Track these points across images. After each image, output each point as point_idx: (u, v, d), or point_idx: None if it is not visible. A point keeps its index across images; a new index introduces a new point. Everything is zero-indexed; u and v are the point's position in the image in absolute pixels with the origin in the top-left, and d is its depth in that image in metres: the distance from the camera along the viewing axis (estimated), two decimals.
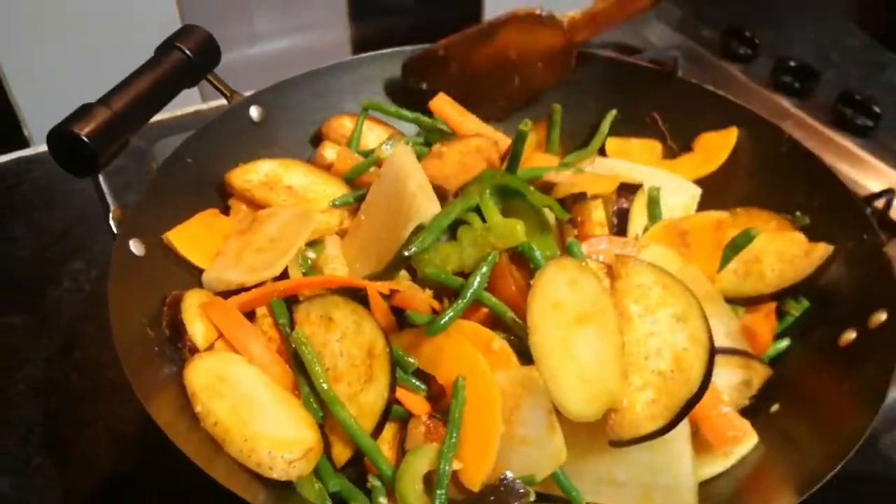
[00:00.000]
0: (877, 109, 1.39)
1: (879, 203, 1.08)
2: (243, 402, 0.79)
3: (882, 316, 0.82)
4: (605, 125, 1.17)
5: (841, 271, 0.91)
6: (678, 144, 1.14)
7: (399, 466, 0.76)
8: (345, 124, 1.15)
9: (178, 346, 0.86)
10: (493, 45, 1.18)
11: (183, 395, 0.80)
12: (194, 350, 0.86)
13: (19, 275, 1.20)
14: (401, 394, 0.81)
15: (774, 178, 1.03)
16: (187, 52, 0.95)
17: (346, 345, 0.81)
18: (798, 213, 0.99)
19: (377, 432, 0.79)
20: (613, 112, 1.17)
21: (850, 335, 0.84)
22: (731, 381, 0.85)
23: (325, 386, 0.80)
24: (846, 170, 1.35)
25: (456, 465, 0.75)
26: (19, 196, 1.32)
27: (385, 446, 0.80)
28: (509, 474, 0.76)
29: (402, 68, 1.20)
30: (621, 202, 1.02)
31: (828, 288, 0.91)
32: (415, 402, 0.81)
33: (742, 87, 1.53)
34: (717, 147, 1.11)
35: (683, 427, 0.74)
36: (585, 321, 0.77)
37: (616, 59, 1.24)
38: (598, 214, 0.97)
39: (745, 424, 0.82)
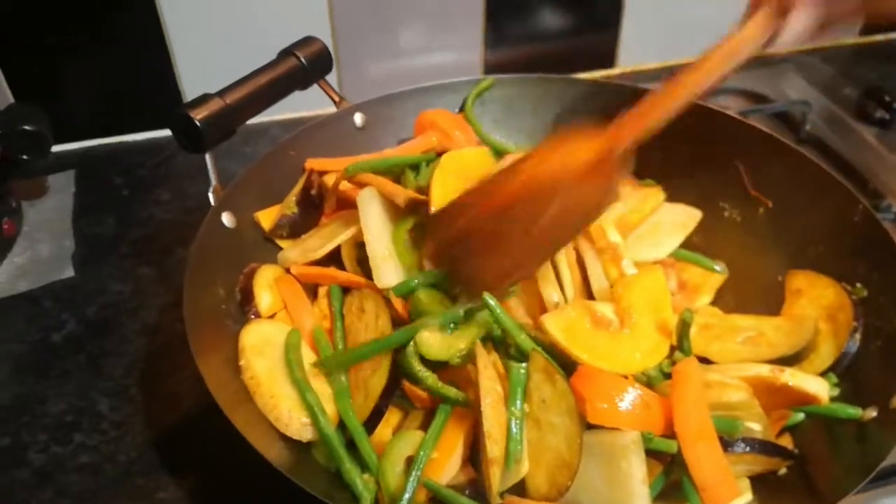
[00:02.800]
0: None
1: None
2: (280, 365, 0.89)
3: None
4: None
5: (880, 349, 0.88)
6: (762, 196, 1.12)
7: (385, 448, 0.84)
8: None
9: (244, 310, 0.98)
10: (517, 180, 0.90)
11: (235, 351, 0.91)
12: (257, 316, 0.97)
13: (158, 233, 1.35)
14: (408, 386, 0.88)
15: (843, 245, 1.00)
16: (302, 59, 1.08)
17: (368, 333, 0.90)
18: (858, 285, 0.95)
19: (377, 415, 0.87)
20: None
21: (872, 413, 0.82)
22: (753, 469, 0.84)
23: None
24: None
25: (434, 455, 0.81)
26: (172, 166, 1.49)
27: (389, 429, 0.88)
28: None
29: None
30: None
31: (864, 364, 0.89)
32: (417, 395, 0.87)
33: (871, 152, 1.45)
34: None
35: (639, 467, 0.76)
36: None
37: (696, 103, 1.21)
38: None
39: (744, 485, 0.82)
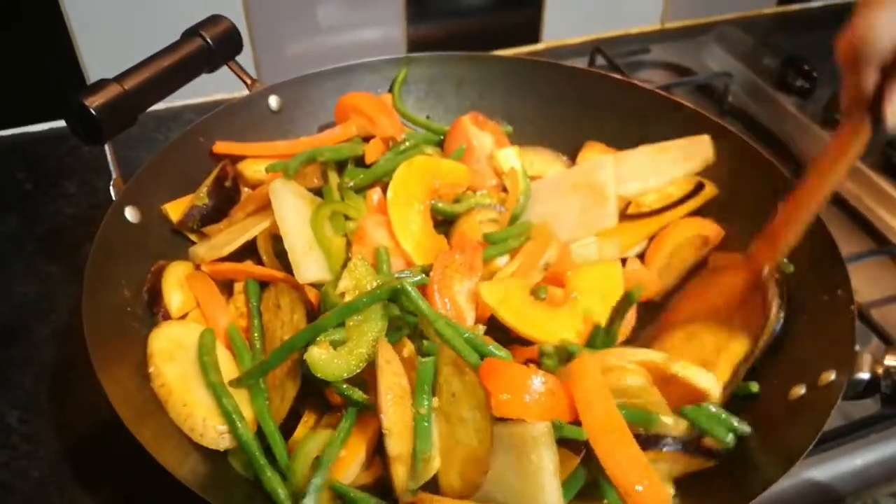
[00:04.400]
0: None
1: None
2: (193, 370, 0.84)
3: (831, 376, 0.79)
4: None
5: (809, 324, 0.88)
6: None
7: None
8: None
9: (153, 312, 0.92)
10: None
11: (144, 357, 0.86)
12: (167, 317, 0.92)
13: (66, 229, 1.29)
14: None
15: (769, 220, 0.97)
16: (208, 39, 1.02)
17: (285, 331, 0.86)
18: (785, 261, 0.94)
19: (295, 417, 0.84)
20: None
21: (800, 390, 0.82)
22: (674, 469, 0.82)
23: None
24: (885, 216, 1.28)
25: (342, 453, 0.78)
26: (79, 156, 1.41)
27: (308, 431, 0.84)
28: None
29: None
30: None
31: (790, 341, 0.89)
32: (332, 394, 0.84)
33: (792, 121, 1.47)
34: None
35: (551, 459, 0.73)
36: None
37: (624, 80, 1.21)
38: None
39: (669, 490, 0.80)
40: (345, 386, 0.80)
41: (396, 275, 0.89)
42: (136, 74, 0.95)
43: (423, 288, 0.89)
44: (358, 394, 0.79)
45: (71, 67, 1.44)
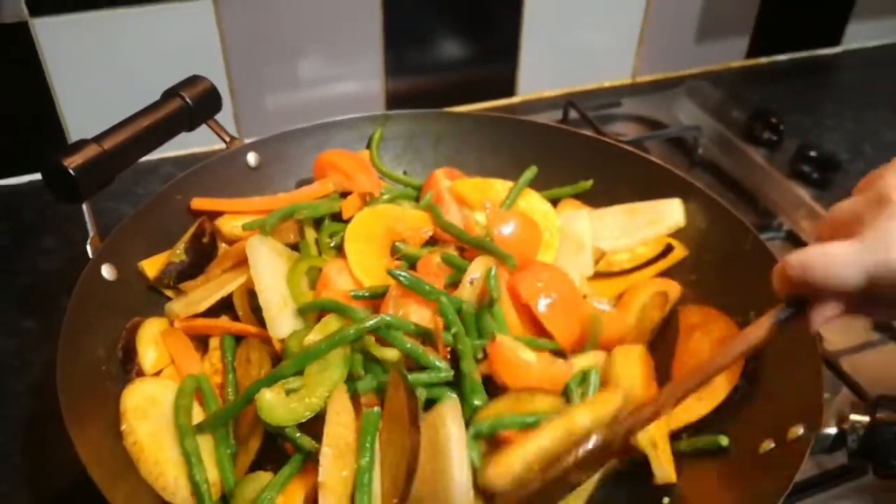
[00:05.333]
0: None
1: None
2: (166, 428, 0.84)
3: (799, 430, 0.80)
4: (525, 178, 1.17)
5: (775, 375, 0.89)
6: None
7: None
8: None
9: (126, 369, 0.92)
10: None
11: (117, 415, 0.85)
12: (141, 374, 0.92)
13: (42, 283, 1.28)
14: None
15: (734, 274, 1.02)
16: (188, 100, 1.04)
17: None
18: (753, 314, 0.95)
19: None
20: (534, 168, 1.18)
21: (769, 444, 0.83)
22: None
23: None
24: None
25: (279, 500, 0.78)
26: (56, 210, 1.41)
27: None
28: None
29: None
30: None
31: (760, 391, 0.90)
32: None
33: (761, 173, 1.50)
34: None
35: (459, 428, 0.77)
36: None
37: (593, 137, 1.25)
38: None
39: None
40: (298, 435, 0.80)
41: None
42: (116, 135, 0.96)
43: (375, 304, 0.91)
44: (308, 442, 0.79)
45: (50, 120, 1.44)
